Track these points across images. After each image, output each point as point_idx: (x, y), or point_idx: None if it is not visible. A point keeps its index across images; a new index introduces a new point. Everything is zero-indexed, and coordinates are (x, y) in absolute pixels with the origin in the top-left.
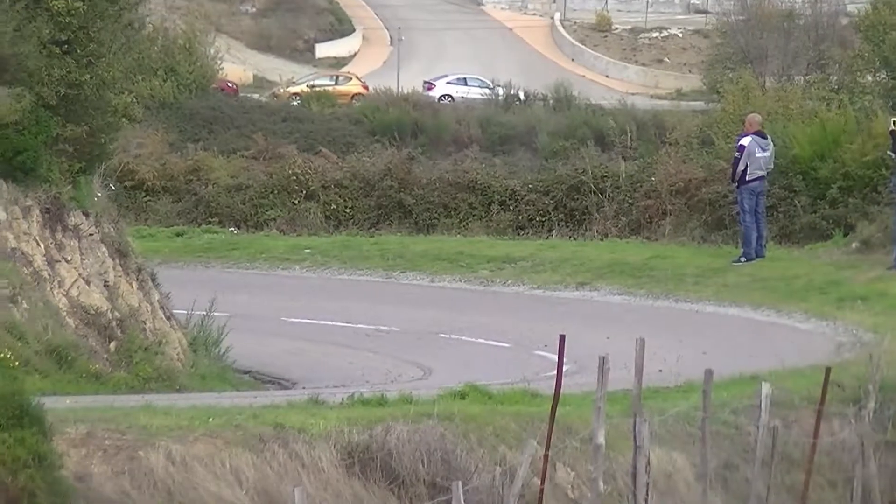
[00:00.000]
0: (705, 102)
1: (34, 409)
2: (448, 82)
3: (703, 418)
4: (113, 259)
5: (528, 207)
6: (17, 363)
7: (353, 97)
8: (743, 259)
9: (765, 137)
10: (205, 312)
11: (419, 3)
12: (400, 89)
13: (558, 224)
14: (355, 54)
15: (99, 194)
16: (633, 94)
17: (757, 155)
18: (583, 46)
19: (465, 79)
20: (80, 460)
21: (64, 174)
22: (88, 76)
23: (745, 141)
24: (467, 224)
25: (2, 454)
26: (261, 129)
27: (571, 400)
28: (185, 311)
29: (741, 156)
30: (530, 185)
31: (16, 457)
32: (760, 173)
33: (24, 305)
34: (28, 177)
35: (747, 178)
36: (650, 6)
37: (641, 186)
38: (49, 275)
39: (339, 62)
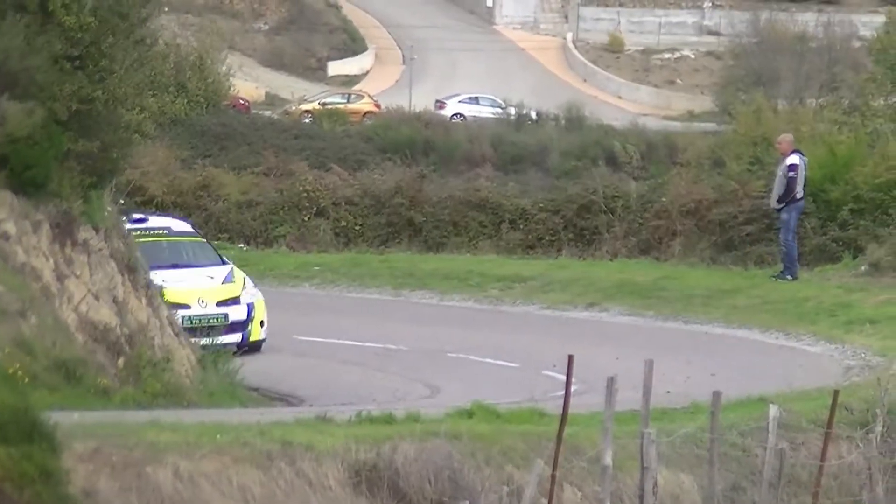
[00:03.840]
0: (717, 124)
1: (44, 424)
2: (460, 101)
3: (711, 440)
4: (122, 274)
5: (538, 227)
6: (25, 378)
7: (364, 115)
8: (788, 276)
9: (804, 155)
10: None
11: (432, 22)
12: (412, 108)
13: (568, 244)
14: (367, 73)
15: (109, 209)
16: (644, 115)
17: (804, 173)
18: (595, 67)
19: (476, 98)
20: (87, 476)
21: (75, 189)
22: (100, 92)
23: (795, 159)
24: (477, 243)
25: (9, 469)
26: (272, 146)
27: (579, 420)
28: None
29: (796, 175)
30: (541, 205)
31: (23, 472)
32: (805, 190)
33: (33, 320)
34: (38, 191)
35: (797, 197)
36: (662, 27)
37: (652, 207)
38: (58, 290)
39: (352, 80)
